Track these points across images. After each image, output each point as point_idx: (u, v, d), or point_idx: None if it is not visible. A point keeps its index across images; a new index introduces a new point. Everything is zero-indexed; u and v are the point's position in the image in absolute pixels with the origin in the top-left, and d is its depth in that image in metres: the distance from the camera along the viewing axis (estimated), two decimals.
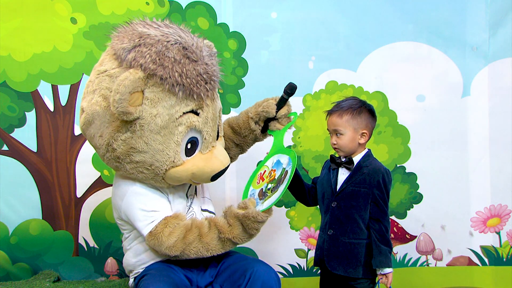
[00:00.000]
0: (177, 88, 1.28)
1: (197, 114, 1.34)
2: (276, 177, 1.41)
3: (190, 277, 1.41)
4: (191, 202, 1.48)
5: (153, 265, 1.42)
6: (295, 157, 1.39)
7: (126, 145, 1.33)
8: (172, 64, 1.27)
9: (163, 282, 1.30)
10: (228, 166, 1.44)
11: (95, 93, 1.34)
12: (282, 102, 1.50)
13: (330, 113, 1.51)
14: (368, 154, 1.50)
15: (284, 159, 1.43)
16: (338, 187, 1.49)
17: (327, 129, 1.51)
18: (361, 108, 1.47)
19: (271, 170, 1.45)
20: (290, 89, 1.48)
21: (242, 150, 1.63)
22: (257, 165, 1.55)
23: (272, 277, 1.36)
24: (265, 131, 1.55)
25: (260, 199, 1.40)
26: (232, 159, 1.60)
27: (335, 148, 1.50)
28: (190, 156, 1.37)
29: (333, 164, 1.51)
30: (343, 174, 1.49)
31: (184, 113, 1.32)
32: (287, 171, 1.38)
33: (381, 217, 1.45)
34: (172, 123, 1.32)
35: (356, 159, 1.48)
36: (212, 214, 1.51)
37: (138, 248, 1.45)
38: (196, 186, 1.52)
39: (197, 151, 1.38)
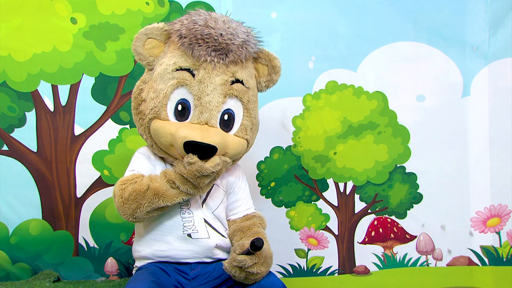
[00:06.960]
0: (182, 41, 1.35)
1: (193, 75, 1.35)
2: None
3: (183, 283, 1.39)
4: (189, 203, 1.42)
5: (147, 265, 1.41)
6: None
7: (139, 92, 1.42)
8: (189, 23, 1.36)
9: (143, 281, 1.28)
10: (210, 146, 1.30)
11: None
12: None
13: None
14: None
15: None
16: None
17: None
18: None
19: None
20: (253, 248, 1.28)
21: None
22: None
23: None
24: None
25: None
26: None
27: None
28: (180, 121, 1.36)
29: None
30: None
31: (181, 68, 1.36)
32: None
33: None
34: (168, 74, 1.36)
35: None
36: (221, 236, 1.45)
37: (138, 231, 1.45)
38: (206, 195, 1.45)
39: (188, 120, 1.35)
